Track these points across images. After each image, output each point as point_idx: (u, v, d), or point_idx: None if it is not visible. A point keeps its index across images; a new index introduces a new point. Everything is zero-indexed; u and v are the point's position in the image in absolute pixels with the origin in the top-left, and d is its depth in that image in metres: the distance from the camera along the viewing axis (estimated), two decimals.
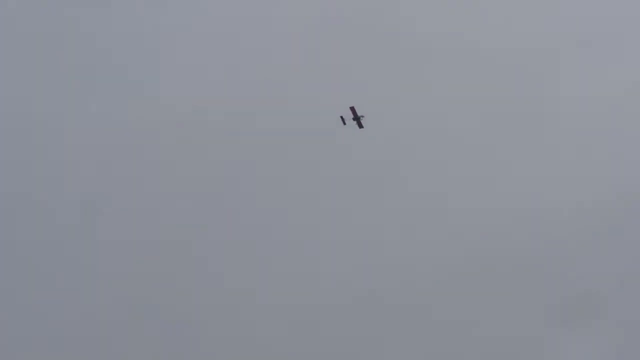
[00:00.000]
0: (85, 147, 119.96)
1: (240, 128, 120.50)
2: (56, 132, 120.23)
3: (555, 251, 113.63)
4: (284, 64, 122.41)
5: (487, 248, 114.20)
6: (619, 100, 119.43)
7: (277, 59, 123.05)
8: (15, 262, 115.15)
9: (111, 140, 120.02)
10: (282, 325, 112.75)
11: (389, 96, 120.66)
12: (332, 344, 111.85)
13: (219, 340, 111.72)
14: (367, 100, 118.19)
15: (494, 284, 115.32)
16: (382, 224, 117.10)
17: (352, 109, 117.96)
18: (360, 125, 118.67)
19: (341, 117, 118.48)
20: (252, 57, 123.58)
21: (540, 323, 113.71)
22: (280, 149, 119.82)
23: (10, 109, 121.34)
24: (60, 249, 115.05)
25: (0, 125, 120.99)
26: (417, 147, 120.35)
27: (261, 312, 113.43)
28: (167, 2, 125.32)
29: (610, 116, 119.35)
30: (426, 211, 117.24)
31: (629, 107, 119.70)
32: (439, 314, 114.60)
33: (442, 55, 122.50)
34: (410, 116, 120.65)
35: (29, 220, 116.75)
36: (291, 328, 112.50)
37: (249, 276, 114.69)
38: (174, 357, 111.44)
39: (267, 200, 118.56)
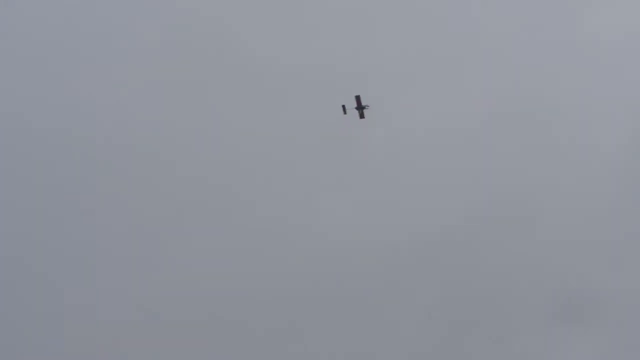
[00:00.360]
0: None
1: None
2: None
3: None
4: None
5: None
6: (472, 133, 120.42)
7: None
8: None
9: None
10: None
11: (229, 119, 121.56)
12: None
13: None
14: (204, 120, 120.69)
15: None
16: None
17: (358, 98, 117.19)
18: (362, 116, 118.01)
19: (343, 105, 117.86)
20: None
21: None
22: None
23: None
24: None
25: None
26: (252, 171, 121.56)
27: None
28: None
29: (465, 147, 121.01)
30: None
31: (481, 139, 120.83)
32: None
33: (276, 82, 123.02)
34: (241, 141, 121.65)
35: None
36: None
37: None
38: None
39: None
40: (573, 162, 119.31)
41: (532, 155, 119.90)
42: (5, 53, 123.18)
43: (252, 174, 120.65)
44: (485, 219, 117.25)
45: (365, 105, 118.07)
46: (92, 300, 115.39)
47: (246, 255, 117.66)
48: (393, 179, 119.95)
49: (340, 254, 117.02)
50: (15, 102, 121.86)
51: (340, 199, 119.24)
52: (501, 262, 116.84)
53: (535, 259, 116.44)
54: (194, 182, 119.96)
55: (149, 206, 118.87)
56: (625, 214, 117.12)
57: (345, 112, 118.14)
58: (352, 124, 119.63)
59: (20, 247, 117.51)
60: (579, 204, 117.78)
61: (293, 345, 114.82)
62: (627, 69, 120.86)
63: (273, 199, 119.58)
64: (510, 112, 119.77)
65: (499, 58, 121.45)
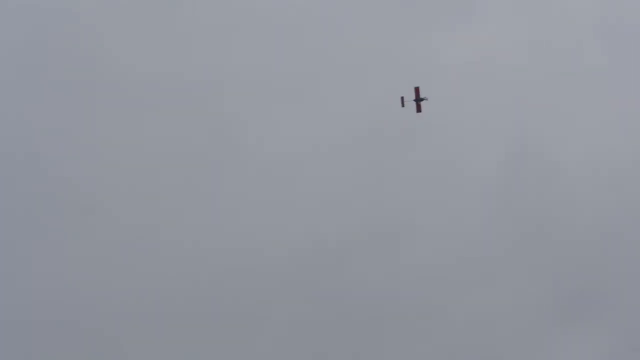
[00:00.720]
0: None
1: None
2: None
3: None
4: None
5: None
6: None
7: None
8: None
9: None
10: None
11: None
12: None
13: None
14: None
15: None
16: None
17: (417, 89, 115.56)
18: (419, 109, 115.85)
19: (402, 97, 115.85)
20: None
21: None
22: None
23: None
24: None
25: None
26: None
27: None
28: None
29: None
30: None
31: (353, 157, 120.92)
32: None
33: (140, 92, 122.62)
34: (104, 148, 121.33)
35: None
36: None
37: None
38: None
39: None
40: (445, 182, 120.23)
41: (405, 174, 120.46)
42: None
43: (115, 182, 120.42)
44: (358, 238, 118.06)
45: (424, 98, 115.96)
46: None
47: (97, 264, 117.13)
48: (268, 195, 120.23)
49: (212, 270, 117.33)
50: None
51: (213, 215, 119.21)
52: (373, 279, 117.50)
53: (403, 277, 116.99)
54: (57, 185, 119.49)
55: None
56: (496, 232, 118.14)
57: (403, 105, 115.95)
58: (223, 138, 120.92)
59: None
60: (451, 223, 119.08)
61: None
62: (498, 89, 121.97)
63: (137, 209, 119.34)
64: (383, 130, 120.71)
65: (367, 76, 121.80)
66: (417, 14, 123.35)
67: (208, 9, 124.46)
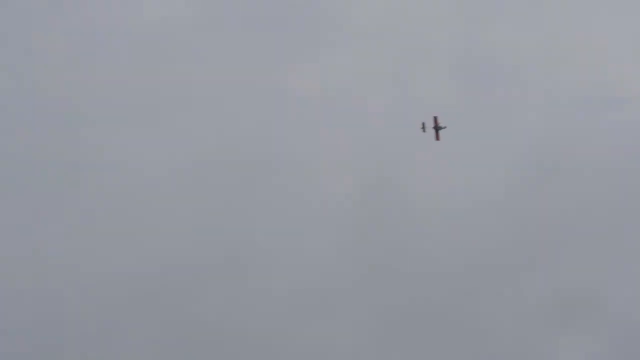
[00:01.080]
0: None
1: None
2: None
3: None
4: None
5: None
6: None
7: None
8: None
9: None
10: None
11: None
12: None
13: None
14: None
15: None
16: None
17: (435, 118, 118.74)
18: (438, 137, 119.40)
19: (423, 123, 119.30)
20: None
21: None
22: None
23: None
24: None
25: None
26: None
27: None
28: None
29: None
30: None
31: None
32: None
33: None
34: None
35: None
36: None
37: None
38: None
39: None
40: (296, 211, 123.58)
41: (259, 202, 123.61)
42: None
43: None
44: (209, 264, 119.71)
45: (442, 126, 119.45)
46: None
47: None
48: (119, 217, 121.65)
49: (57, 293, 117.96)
50: None
51: (66, 235, 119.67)
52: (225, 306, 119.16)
53: (248, 306, 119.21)
54: None
55: None
56: (345, 264, 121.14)
57: (424, 130, 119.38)
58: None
59: None
60: (300, 253, 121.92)
61: None
62: (353, 121, 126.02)
63: None
64: (241, 158, 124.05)
65: (223, 104, 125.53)
66: (275, 45, 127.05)
67: (66, 30, 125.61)
